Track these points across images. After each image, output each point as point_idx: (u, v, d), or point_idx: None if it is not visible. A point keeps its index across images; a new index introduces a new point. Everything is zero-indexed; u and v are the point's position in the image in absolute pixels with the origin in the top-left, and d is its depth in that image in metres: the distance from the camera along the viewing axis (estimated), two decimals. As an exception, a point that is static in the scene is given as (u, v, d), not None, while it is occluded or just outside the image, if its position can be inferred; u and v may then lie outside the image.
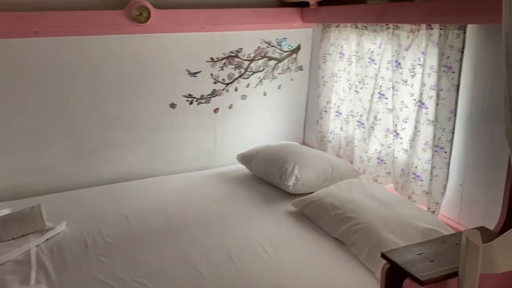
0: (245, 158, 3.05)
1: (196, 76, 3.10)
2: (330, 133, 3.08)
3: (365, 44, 2.68)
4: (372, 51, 2.64)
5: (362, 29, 2.69)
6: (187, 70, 3.06)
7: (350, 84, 2.89)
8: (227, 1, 3.08)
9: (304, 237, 2.24)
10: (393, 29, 2.41)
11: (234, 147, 3.29)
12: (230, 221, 2.39)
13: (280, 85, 3.38)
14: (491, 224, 2.07)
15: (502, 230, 1.66)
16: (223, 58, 3.14)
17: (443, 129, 2.17)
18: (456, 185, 2.25)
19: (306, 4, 3.11)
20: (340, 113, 3.00)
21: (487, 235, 1.66)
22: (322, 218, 2.29)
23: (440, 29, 2.12)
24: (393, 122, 2.50)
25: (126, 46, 2.85)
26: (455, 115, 2.14)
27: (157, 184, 2.93)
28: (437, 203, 2.27)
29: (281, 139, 3.44)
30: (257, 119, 3.38)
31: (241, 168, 3.12)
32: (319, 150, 3.04)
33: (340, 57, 2.93)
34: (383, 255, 1.53)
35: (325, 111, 3.11)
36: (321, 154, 2.88)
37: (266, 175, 2.84)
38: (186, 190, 2.82)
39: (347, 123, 2.95)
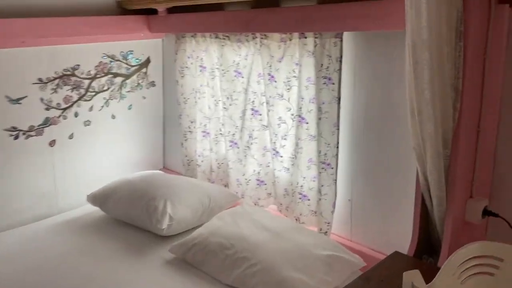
0: (98, 199, 2.49)
1: (20, 103, 2.41)
2: (199, 155, 2.73)
3: (228, 56, 2.41)
4: (238, 64, 2.38)
5: (223, 39, 2.40)
6: (7, 97, 2.36)
7: (216, 101, 2.58)
8: (54, 8, 2.47)
9: (192, 290, 1.85)
10: (261, 38, 2.19)
11: (81, 185, 2.69)
12: (92, 287, 1.86)
13: (130, 105, 2.90)
14: (384, 239, 2.01)
15: (416, 253, 1.55)
16: (55, 78, 2.52)
17: (328, 144, 2.02)
18: (344, 201, 2.14)
19: (154, 11, 2.70)
20: (208, 133, 2.67)
21: (403, 261, 1.54)
22: (210, 263, 1.92)
23: (315, 37, 1.96)
24: (271, 139, 2.28)
25: None
26: (338, 129, 2.01)
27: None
28: (328, 223, 2.11)
29: (138, 168, 2.95)
30: (106, 147, 2.83)
31: (93, 211, 2.54)
32: (189, 178, 2.66)
33: (201, 70, 2.60)
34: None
35: (190, 131, 2.74)
36: (193, 182, 2.51)
37: (130, 218, 2.34)
38: (24, 251, 2.15)
39: (217, 144, 2.64)
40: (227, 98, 2.46)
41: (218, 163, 2.66)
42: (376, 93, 1.92)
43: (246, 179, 2.45)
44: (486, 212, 1.49)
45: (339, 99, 1.97)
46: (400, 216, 1.94)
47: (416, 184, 1.52)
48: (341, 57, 1.92)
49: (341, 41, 1.90)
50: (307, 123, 2.08)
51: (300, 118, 2.10)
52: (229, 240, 1.95)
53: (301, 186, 2.18)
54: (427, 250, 1.60)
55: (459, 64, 1.32)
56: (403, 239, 1.92)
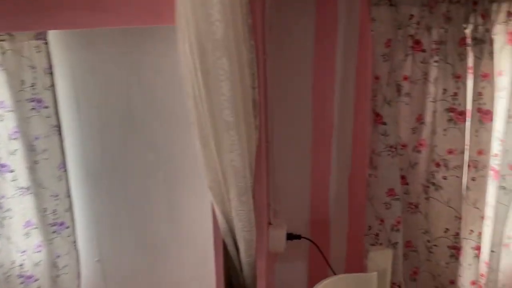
0: None
1: None
2: None
3: None
4: None
5: None
6: None
7: None
8: None
9: None
10: None
11: None
12: None
13: None
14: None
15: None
16: None
17: (55, 196, 1.38)
18: (92, 263, 1.55)
19: None
20: None
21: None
22: None
23: (0, 40, 1.25)
24: None
25: None
26: (66, 171, 1.39)
27: None
28: (76, 304, 1.49)
29: None
30: None
31: None
32: None
33: None
34: None
35: None
36: None
37: None
38: None
39: None
40: None
41: None
42: (114, 113, 1.41)
43: None
44: (290, 237, 1.29)
45: (59, 128, 1.35)
46: (166, 263, 1.55)
47: (214, 229, 1.15)
48: (51, 67, 1.30)
49: (47, 44, 1.28)
50: (11, 171, 1.36)
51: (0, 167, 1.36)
52: None
53: (20, 265, 1.44)
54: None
55: (254, 70, 1.01)
56: None
